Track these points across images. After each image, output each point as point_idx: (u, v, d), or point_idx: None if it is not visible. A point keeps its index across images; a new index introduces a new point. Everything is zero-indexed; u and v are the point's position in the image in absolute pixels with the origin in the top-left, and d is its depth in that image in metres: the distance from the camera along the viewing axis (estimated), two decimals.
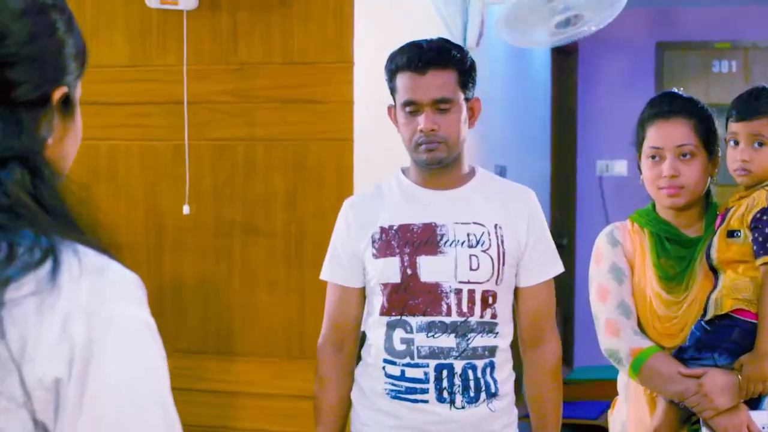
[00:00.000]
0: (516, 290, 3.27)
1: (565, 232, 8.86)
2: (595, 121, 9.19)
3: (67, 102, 1.47)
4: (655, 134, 3.24)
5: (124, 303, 1.37)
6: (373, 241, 3.22)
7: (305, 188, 4.30)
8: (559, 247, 3.71)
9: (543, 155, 8.54)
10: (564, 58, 8.95)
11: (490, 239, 3.17)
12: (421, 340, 3.13)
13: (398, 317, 3.17)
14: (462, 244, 3.16)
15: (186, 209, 4.37)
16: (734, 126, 3.16)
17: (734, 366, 3.02)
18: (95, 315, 1.33)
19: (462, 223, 3.18)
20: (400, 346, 3.17)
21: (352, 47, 4.23)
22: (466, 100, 3.20)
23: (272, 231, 4.36)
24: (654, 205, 3.32)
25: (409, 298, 3.15)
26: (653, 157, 3.22)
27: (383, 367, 3.21)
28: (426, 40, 3.23)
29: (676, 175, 3.17)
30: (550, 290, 3.32)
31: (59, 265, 1.33)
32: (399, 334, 3.17)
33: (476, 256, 3.15)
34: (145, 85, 4.49)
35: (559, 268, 3.33)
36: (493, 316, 3.17)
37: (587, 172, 9.12)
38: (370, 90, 4.31)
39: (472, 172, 3.31)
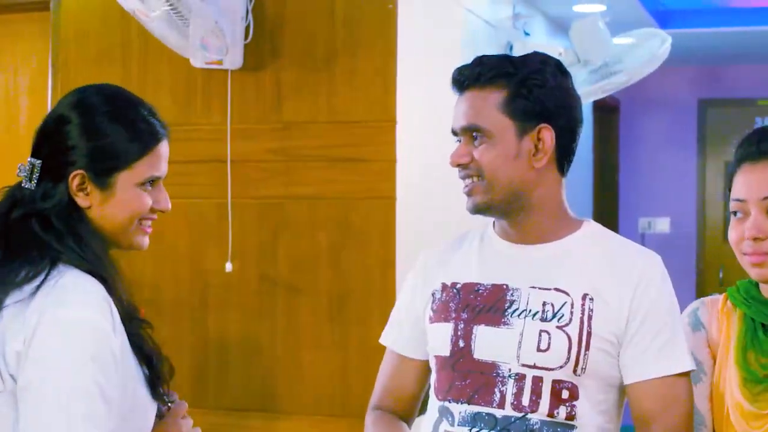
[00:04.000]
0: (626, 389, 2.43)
1: None
2: (638, 178, 9.18)
3: (98, 179, 2.14)
4: (739, 183, 2.42)
5: (67, 308, 2.02)
6: (433, 300, 2.51)
7: (349, 246, 4.31)
8: None
9: (585, 213, 8.52)
10: (606, 115, 8.95)
11: (572, 313, 2.34)
12: None
13: (442, 402, 2.43)
14: (534, 315, 2.36)
15: (228, 266, 4.39)
16: None
17: None
18: (43, 314, 2.01)
19: (540, 289, 2.39)
20: None
21: (395, 106, 4.25)
22: (523, 130, 2.38)
23: (316, 289, 4.36)
24: None
25: (456, 378, 2.40)
26: (736, 213, 2.42)
27: None
28: (488, 55, 2.50)
29: (762, 237, 2.34)
30: (671, 392, 2.37)
31: (45, 282, 2.05)
32: (443, 426, 2.41)
33: (548, 333, 2.34)
34: (190, 144, 4.52)
35: (681, 364, 2.38)
36: (570, 417, 2.33)
37: (630, 229, 9.09)
38: (413, 149, 4.33)
39: (576, 226, 2.49)
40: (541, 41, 6.13)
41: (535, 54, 2.47)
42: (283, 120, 4.41)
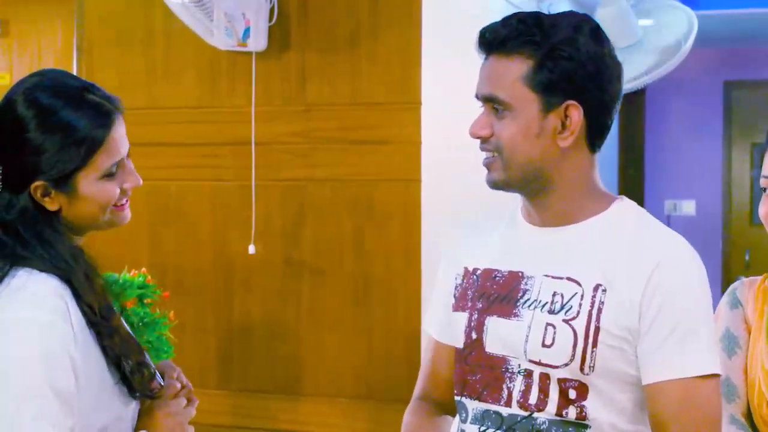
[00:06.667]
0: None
1: None
2: (663, 161, 9.13)
3: (60, 186, 2.09)
4: (767, 159, 2.43)
5: (14, 308, 2.00)
6: (455, 287, 2.32)
7: (373, 229, 4.30)
8: None
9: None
10: (631, 98, 8.91)
11: (581, 305, 2.09)
12: None
13: (459, 398, 2.26)
14: (543, 307, 2.13)
15: (252, 249, 4.40)
16: None
17: None
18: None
19: (552, 277, 2.15)
20: None
21: (419, 88, 4.23)
22: (548, 105, 2.13)
23: (339, 272, 4.36)
24: None
25: (468, 372, 2.23)
26: (765, 189, 2.42)
27: None
28: (521, 12, 2.22)
29: None
30: (688, 396, 2.06)
31: None
32: (459, 423, 2.26)
33: (554, 327, 2.11)
34: (214, 126, 4.53)
35: (701, 366, 2.06)
36: (581, 416, 2.10)
37: (655, 212, 8.99)
38: (438, 130, 4.31)
39: (604, 205, 2.21)
40: None
41: (571, 16, 2.19)
42: (306, 102, 4.40)
